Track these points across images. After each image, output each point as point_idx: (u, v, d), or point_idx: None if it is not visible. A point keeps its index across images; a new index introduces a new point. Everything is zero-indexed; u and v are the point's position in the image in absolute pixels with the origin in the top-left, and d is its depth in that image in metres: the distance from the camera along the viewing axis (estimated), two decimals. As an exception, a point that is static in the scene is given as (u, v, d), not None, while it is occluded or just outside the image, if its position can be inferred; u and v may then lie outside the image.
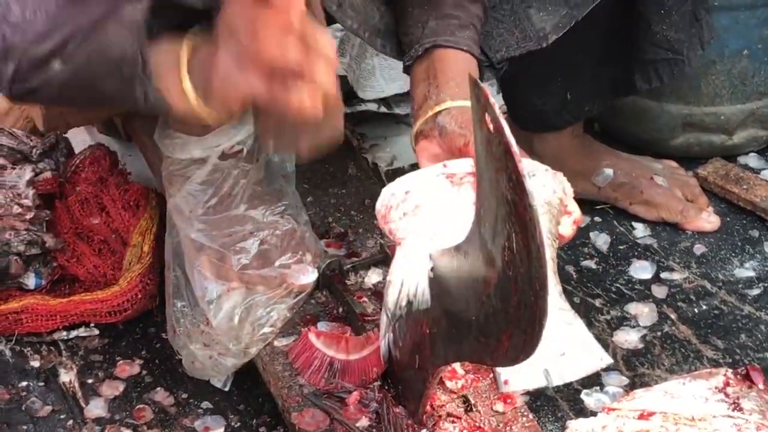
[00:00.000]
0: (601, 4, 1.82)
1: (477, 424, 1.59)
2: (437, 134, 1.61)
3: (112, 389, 1.88)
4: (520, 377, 1.55)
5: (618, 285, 2.00)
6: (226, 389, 1.85)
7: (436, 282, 1.47)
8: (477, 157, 1.38)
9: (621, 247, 2.09)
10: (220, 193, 1.78)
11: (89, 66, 1.46)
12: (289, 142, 1.62)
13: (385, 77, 2.43)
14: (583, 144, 2.20)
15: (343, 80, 2.48)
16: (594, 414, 1.60)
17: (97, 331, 1.99)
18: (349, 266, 1.89)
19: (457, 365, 1.63)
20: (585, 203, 2.18)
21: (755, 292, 1.97)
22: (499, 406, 1.61)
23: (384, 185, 2.02)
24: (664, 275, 2.02)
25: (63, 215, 2.07)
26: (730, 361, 1.81)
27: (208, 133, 1.74)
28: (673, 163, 2.24)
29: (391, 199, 1.59)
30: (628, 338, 1.87)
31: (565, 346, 1.54)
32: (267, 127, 1.64)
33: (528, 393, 1.72)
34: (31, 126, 2.19)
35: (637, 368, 1.80)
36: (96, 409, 1.84)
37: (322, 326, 1.79)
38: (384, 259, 1.87)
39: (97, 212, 2.07)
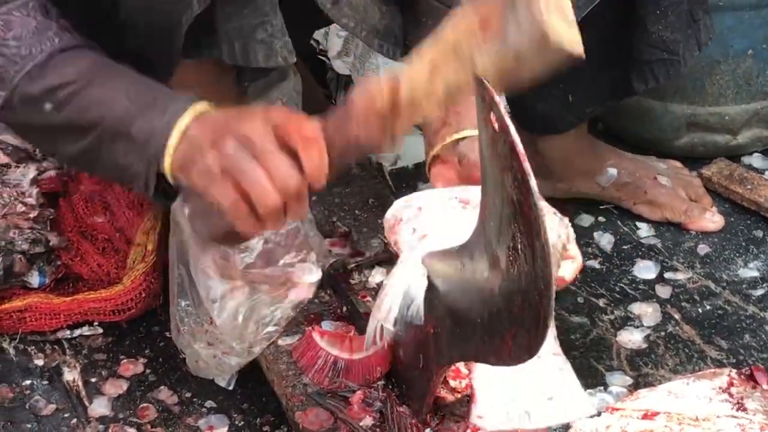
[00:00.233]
0: (599, 6, 1.82)
1: (481, 424, 1.59)
2: (456, 161, 1.62)
3: (115, 388, 1.88)
4: (497, 415, 1.55)
5: (622, 285, 2.00)
6: (230, 388, 1.85)
7: (433, 287, 1.47)
8: (482, 157, 1.38)
9: (625, 247, 2.09)
10: (225, 192, 1.78)
11: (82, 118, 1.47)
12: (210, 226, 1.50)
13: (389, 76, 2.42)
14: (586, 144, 2.20)
15: (347, 79, 2.48)
16: (598, 414, 1.60)
17: (100, 330, 1.99)
18: (353, 265, 1.89)
19: (461, 364, 1.63)
20: (589, 203, 2.19)
21: (759, 292, 1.97)
22: (503, 406, 1.61)
23: (388, 184, 2.02)
24: (668, 275, 2.01)
25: (67, 214, 2.07)
26: (734, 361, 1.81)
27: None
28: (677, 163, 2.24)
29: (403, 211, 1.59)
30: (632, 338, 1.86)
31: (554, 391, 1.56)
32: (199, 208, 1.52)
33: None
34: (35, 125, 2.19)
35: (640, 368, 1.80)
36: (100, 407, 1.84)
37: (326, 325, 1.79)
38: (388, 258, 1.87)
39: (101, 211, 2.06)
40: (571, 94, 2.07)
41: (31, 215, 2.01)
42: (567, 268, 1.62)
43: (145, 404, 1.84)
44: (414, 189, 2.12)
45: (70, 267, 2.04)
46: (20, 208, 2.01)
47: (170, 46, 1.57)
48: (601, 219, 2.16)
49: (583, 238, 2.09)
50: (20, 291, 2.00)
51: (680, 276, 2.01)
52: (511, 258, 1.30)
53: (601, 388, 1.74)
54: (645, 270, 2.03)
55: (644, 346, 1.86)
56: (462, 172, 1.63)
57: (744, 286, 1.99)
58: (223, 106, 1.47)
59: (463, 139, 1.64)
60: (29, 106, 1.48)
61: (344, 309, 1.83)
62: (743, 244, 2.09)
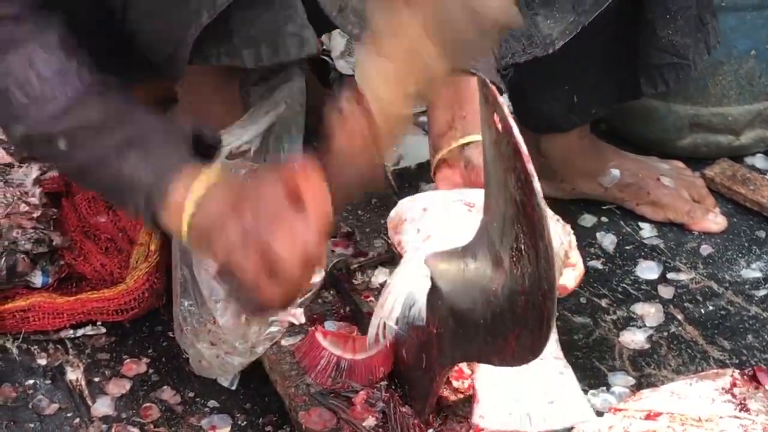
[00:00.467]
0: (607, 10, 1.82)
1: (484, 424, 1.59)
2: (462, 166, 1.62)
3: (118, 387, 1.88)
4: (499, 416, 1.55)
5: (624, 285, 2.00)
6: (233, 388, 1.85)
7: (436, 287, 1.47)
8: (485, 158, 1.38)
9: (627, 248, 2.09)
10: (228, 193, 1.78)
11: (92, 157, 1.49)
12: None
13: (392, 77, 2.42)
14: (589, 144, 2.20)
15: (350, 79, 2.48)
16: (600, 414, 1.60)
17: (103, 330, 1.99)
18: (356, 266, 1.89)
19: (464, 365, 1.63)
20: (591, 203, 2.19)
21: (762, 292, 1.97)
22: (506, 406, 1.61)
23: (391, 184, 2.02)
24: (670, 276, 2.01)
25: (70, 213, 2.07)
26: (737, 361, 1.81)
27: None
28: (680, 164, 2.24)
29: (407, 211, 1.59)
30: (635, 338, 1.87)
31: (555, 395, 1.56)
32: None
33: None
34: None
35: (643, 368, 1.80)
36: (103, 407, 1.84)
37: (329, 325, 1.79)
38: (391, 258, 1.87)
39: (104, 210, 2.07)
40: (577, 96, 2.08)
41: (35, 215, 2.01)
42: (569, 275, 1.62)
43: (148, 404, 1.85)
44: (416, 189, 2.12)
45: (73, 267, 2.04)
46: (23, 207, 2.01)
47: (178, 56, 1.58)
48: (603, 219, 2.16)
49: (586, 238, 2.09)
50: (23, 291, 2.00)
51: (683, 276, 2.01)
52: (514, 258, 1.30)
53: (604, 388, 1.74)
54: (648, 270, 2.03)
55: (647, 346, 1.86)
56: (467, 177, 1.63)
57: (747, 286, 1.99)
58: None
59: (468, 143, 1.64)
60: (48, 144, 1.51)
61: (347, 309, 1.84)
62: (746, 244, 2.09)
